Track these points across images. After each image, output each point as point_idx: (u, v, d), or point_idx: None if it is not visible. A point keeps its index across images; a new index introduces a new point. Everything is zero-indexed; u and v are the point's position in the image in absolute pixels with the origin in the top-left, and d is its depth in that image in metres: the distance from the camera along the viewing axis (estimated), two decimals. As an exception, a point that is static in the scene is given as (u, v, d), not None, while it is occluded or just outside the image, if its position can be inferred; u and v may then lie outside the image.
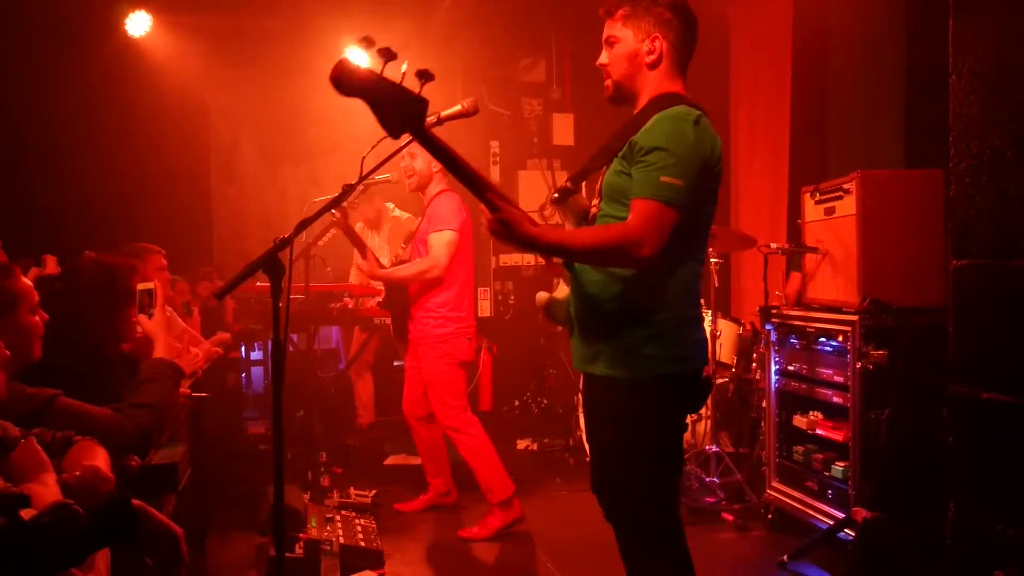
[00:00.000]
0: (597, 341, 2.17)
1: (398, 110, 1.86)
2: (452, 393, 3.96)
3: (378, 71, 1.85)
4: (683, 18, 2.17)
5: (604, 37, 2.20)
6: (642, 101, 2.18)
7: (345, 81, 1.83)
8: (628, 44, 2.16)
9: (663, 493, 2.19)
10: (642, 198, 2.00)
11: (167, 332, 2.43)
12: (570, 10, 6.25)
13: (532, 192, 6.59)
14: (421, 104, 1.88)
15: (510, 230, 1.95)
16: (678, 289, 2.12)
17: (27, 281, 2.15)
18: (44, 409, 2.05)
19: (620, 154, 2.10)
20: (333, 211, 3.93)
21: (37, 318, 2.15)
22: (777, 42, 5.33)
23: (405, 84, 1.89)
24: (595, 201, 2.22)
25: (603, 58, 2.21)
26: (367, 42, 1.84)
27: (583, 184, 2.31)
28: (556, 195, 2.28)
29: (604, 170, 2.19)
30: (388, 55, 1.84)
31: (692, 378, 2.16)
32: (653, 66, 2.16)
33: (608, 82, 2.21)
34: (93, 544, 1.53)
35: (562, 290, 2.34)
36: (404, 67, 1.92)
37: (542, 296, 2.36)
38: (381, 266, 4.10)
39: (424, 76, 1.91)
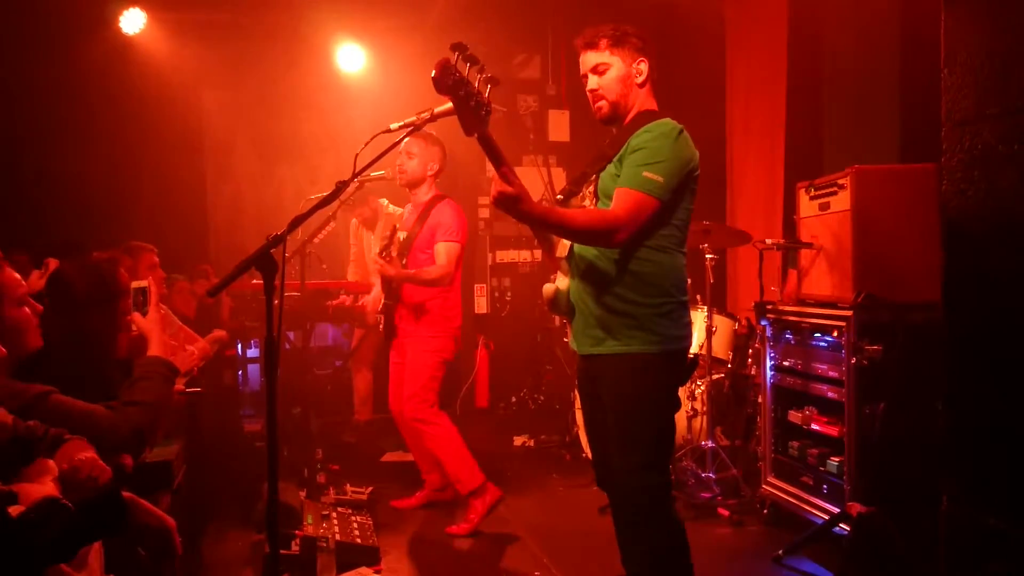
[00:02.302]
0: (606, 323, 2.41)
1: (474, 114, 2.11)
2: (427, 388, 4.00)
3: (463, 74, 2.07)
4: (652, 44, 2.50)
5: (591, 66, 2.48)
6: (629, 117, 2.49)
7: (443, 80, 2.03)
8: (619, 69, 2.46)
9: (662, 465, 2.44)
10: (625, 188, 2.31)
11: (161, 330, 2.42)
12: (565, 6, 6.24)
13: (528, 189, 6.58)
14: (489, 110, 2.13)
15: (520, 203, 2.19)
16: (675, 276, 2.43)
17: (14, 273, 2.14)
18: (36, 405, 2.04)
19: (616, 158, 2.40)
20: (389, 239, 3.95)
21: (27, 309, 2.13)
22: (772, 38, 5.33)
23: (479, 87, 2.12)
24: (590, 201, 2.49)
25: (592, 84, 2.48)
26: (460, 48, 2.05)
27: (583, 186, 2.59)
28: (560, 196, 2.59)
29: (596, 177, 2.48)
30: (473, 60, 2.08)
31: (686, 355, 2.47)
32: (642, 85, 2.49)
33: (603, 104, 2.48)
34: (83, 538, 1.53)
35: (563, 281, 2.55)
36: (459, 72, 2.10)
37: (548, 288, 2.59)
38: (401, 268, 4.05)
39: (492, 82, 2.14)
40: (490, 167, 2.28)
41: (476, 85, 2.10)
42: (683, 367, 2.47)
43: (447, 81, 2.03)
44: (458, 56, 2.05)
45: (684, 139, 2.37)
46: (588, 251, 2.43)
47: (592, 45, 2.48)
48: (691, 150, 2.39)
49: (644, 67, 2.48)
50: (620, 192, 2.31)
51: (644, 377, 2.38)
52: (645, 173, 2.28)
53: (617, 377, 2.41)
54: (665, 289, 2.40)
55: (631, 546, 2.51)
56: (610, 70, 2.46)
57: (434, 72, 2.02)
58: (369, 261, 5.57)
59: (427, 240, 4.02)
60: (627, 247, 2.35)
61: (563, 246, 2.53)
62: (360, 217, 5.58)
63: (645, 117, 2.43)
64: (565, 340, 2.83)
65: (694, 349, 4.43)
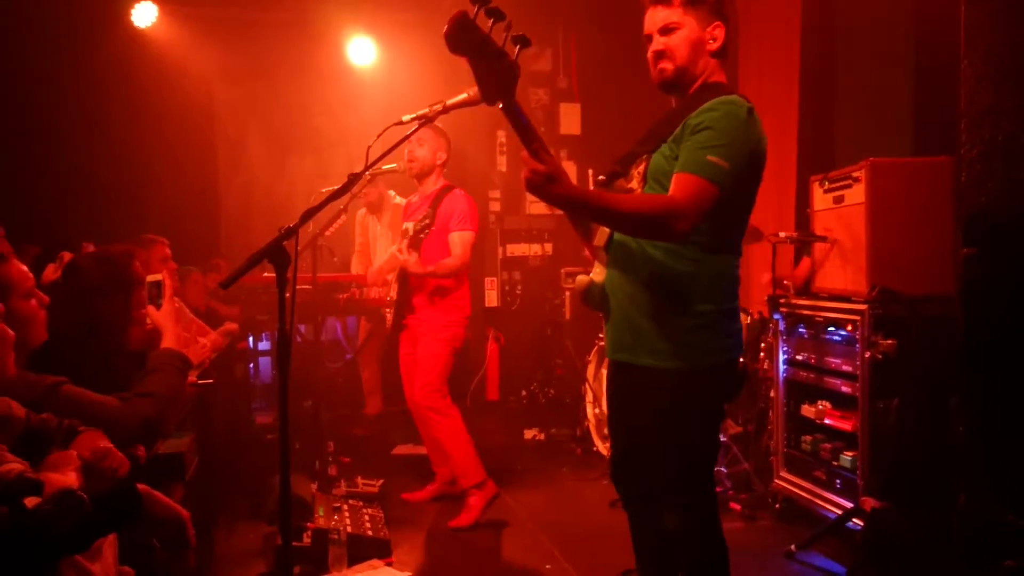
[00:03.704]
0: (639, 329, 2.15)
1: (498, 78, 1.82)
2: (441, 377, 4.02)
3: (485, 31, 1.79)
4: (729, 9, 2.18)
5: (660, 25, 2.16)
6: (694, 88, 2.17)
7: (458, 37, 1.76)
8: (692, 30, 2.14)
9: (707, 484, 2.22)
10: (687, 173, 1.99)
11: (175, 323, 2.43)
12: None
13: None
14: (515, 73, 1.84)
15: (555, 184, 1.88)
16: (726, 280, 2.14)
17: (21, 266, 2.14)
18: (49, 396, 2.04)
19: (671, 138, 2.09)
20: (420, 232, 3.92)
21: (34, 302, 2.13)
22: (785, 29, 5.29)
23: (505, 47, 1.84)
24: (635, 183, 2.19)
25: (657, 44, 2.16)
26: (482, 1, 1.78)
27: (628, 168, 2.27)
28: (603, 177, 2.26)
29: (647, 157, 2.16)
30: (498, 15, 1.79)
31: (734, 368, 2.18)
32: (715, 54, 2.16)
33: (667, 66, 2.16)
34: (98, 530, 1.53)
35: (599, 273, 2.29)
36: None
37: (582, 279, 2.32)
38: (423, 264, 4.03)
39: (521, 41, 1.84)
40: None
41: (501, 45, 1.80)
42: (729, 382, 2.19)
43: (464, 38, 1.75)
44: (479, 9, 1.75)
45: (754, 120, 2.05)
46: (630, 242, 2.15)
47: (663, 0, 2.15)
48: (760, 133, 2.08)
49: (720, 33, 2.15)
50: (680, 177, 1.99)
51: (681, 399, 2.10)
52: (709, 157, 1.96)
53: (648, 393, 2.15)
54: (711, 296, 2.10)
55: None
56: (680, 31, 2.13)
57: (447, 27, 1.74)
58: (396, 260, 5.55)
59: (441, 230, 4.02)
60: (677, 244, 2.07)
61: (602, 233, 2.25)
62: (365, 200, 5.52)
63: (711, 91, 2.11)
64: (600, 336, 2.57)
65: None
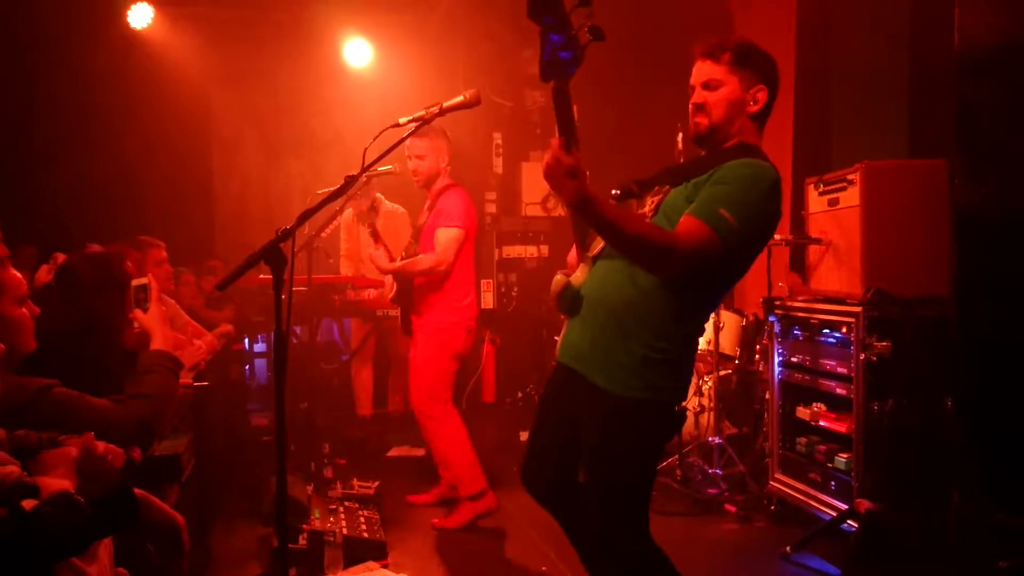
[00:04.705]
0: (603, 348, 2.14)
1: (561, 58, 1.82)
2: (439, 384, 3.95)
3: (568, 8, 1.80)
4: (777, 75, 2.19)
5: (704, 79, 2.17)
6: (727, 145, 2.18)
7: (539, 3, 1.76)
8: (734, 90, 2.15)
9: (642, 518, 2.18)
10: (696, 218, 2.00)
11: (164, 325, 2.41)
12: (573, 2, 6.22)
13: (534, 184, 6.57)
14: (580, 62, 1.85)
15: (574, 180, 1.92)
16: (696, 327, 2.19)
17: (15, 273, 2.13)
18: (38, 399, 2.02)
19: (694, 180, 2.10)
20: (372, 219, 3.94)
21: (25, 310, 2.11)
22: (780, 31, 5.30)
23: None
24: (647, 210, 2.21)
25: (698, 98, 2.18)
26: None
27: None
28: (616, 192, 2.26)
29: (668, 189, 2.19)
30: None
31: (675, 409, 2.19)
32: (754, 116, 2.17)
33: (703, 121, 2.18)
34: (94, 533, 1.53)
35: (578, 277, 2.28)
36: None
37: (559, 280, 2.30)
38: (392, 259, 4.06)
39: (595, 33, 1.84)
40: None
41: (576, 30, 1.79)
42: (669, 422, 2.20)
43: (545, 6, 1.74)
44: None
45: (775, 193, 2.07)
46: (621, 263, 2.14)
47: (712, 56, 2.16)
48: (778, 207, 2.09)
49: (762, 97, 2.16)
50: (689, 220, 2.01)
51: (626, 424, 2.11)
52: (722, 210, 1.97)
53: (596, 415, 2.15)
54: (680, 337, 2.13)
55: None
56: (722, 89, 2.15)
57: None
58: (365, 256, 5.54)
59: (433, 224, 3.98)
60: (664, 280, 2.07)
61: (597, 245, 2.25)
62: (356, 209, 5.48)
63: (744, 151, 2.12)
64: (556, 339, 2.54)
65: (702, 346, 4.42)
